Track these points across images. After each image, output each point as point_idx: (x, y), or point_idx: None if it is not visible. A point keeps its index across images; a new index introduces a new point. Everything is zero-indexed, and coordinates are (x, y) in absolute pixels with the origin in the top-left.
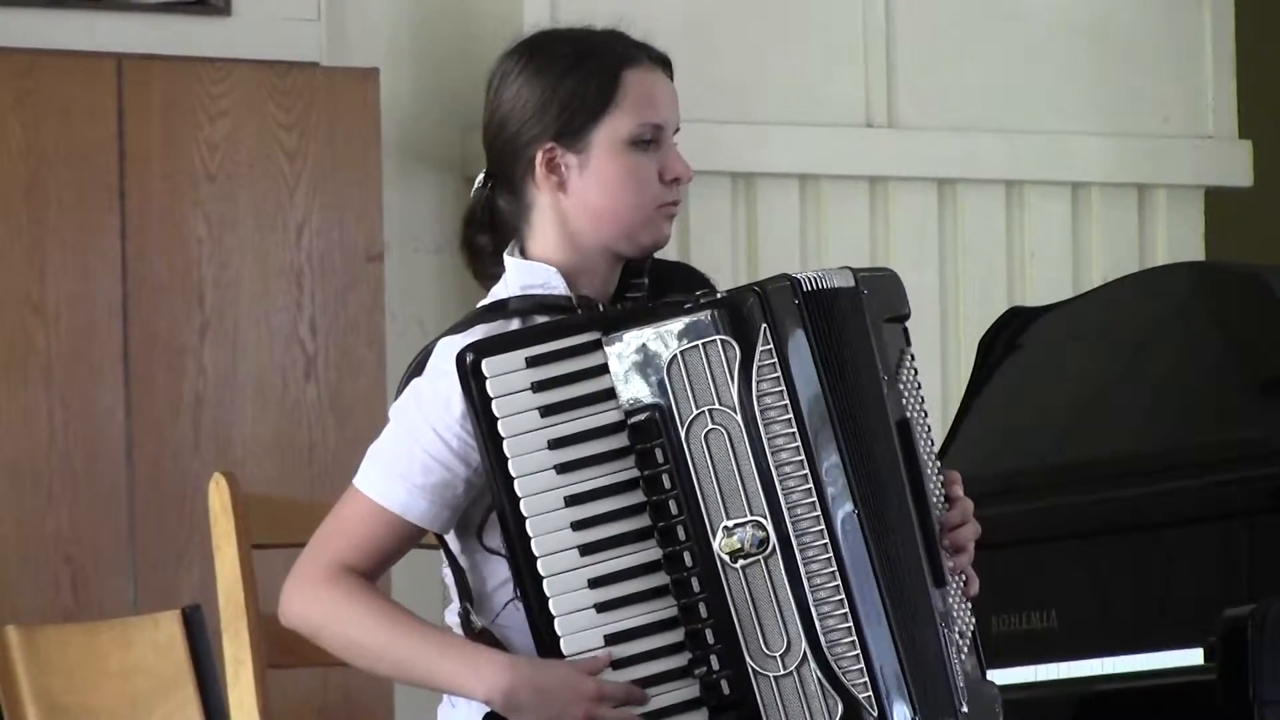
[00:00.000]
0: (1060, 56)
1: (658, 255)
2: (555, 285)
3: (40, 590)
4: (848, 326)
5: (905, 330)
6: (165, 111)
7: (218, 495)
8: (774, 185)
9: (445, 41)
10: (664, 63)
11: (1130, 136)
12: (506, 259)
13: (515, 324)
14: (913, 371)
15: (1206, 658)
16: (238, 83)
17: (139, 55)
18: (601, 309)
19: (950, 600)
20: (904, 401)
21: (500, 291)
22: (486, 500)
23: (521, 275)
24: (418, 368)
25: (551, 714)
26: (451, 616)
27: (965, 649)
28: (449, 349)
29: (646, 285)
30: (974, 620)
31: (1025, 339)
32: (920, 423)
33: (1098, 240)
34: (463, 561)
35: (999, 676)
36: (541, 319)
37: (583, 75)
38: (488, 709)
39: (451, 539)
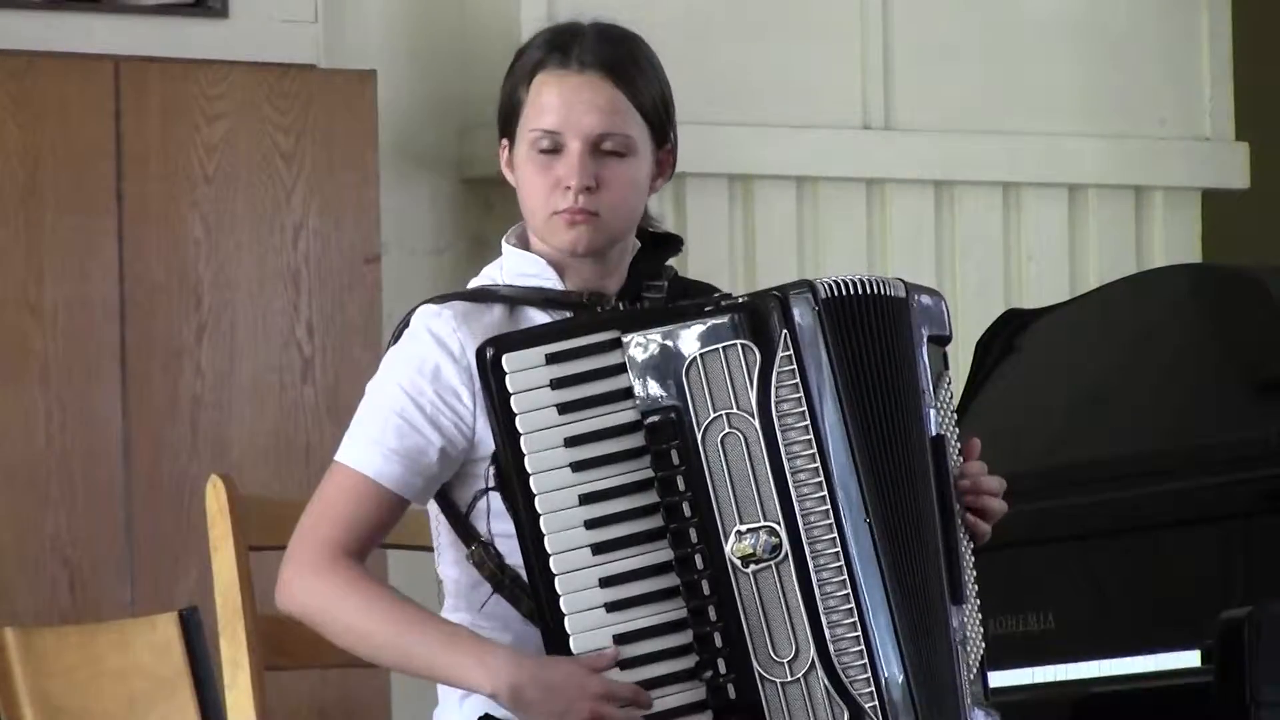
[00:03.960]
0: (1057, 59)
1: (680, 272)
2: (548, 278)
3: (38, 592)
4: (882, 334)
5: (945, 355)
6: (163, 113)
7: (215, 497)
8: (771, 187)
9: (442, 44)
10: (589, 64)
11: (1127, 138)
12: (504, 245)
13: (498, 310)
14: (949, 395)
15: (1203, 659)
16: (235, 85)
17: (136, 57)
18: (622, 306)
19: (966, 619)
20: (939, 419)
21: (495, 275)
22: (474, 485)
23: (517, 264)
24: (397, 336)
25: (557, 710)
26: (447, 616)
27: (974, 670)
28: (425, 316)
29: (666, 287)
30: (984, 645)
31: (1022, 341)
32: (952, 444)
33: (1095, 242)
34: (450, 556)
35: (996, 678)
36: (535, 311)
37: (509, 79)
38: (484, 712)
39: (439, 518)
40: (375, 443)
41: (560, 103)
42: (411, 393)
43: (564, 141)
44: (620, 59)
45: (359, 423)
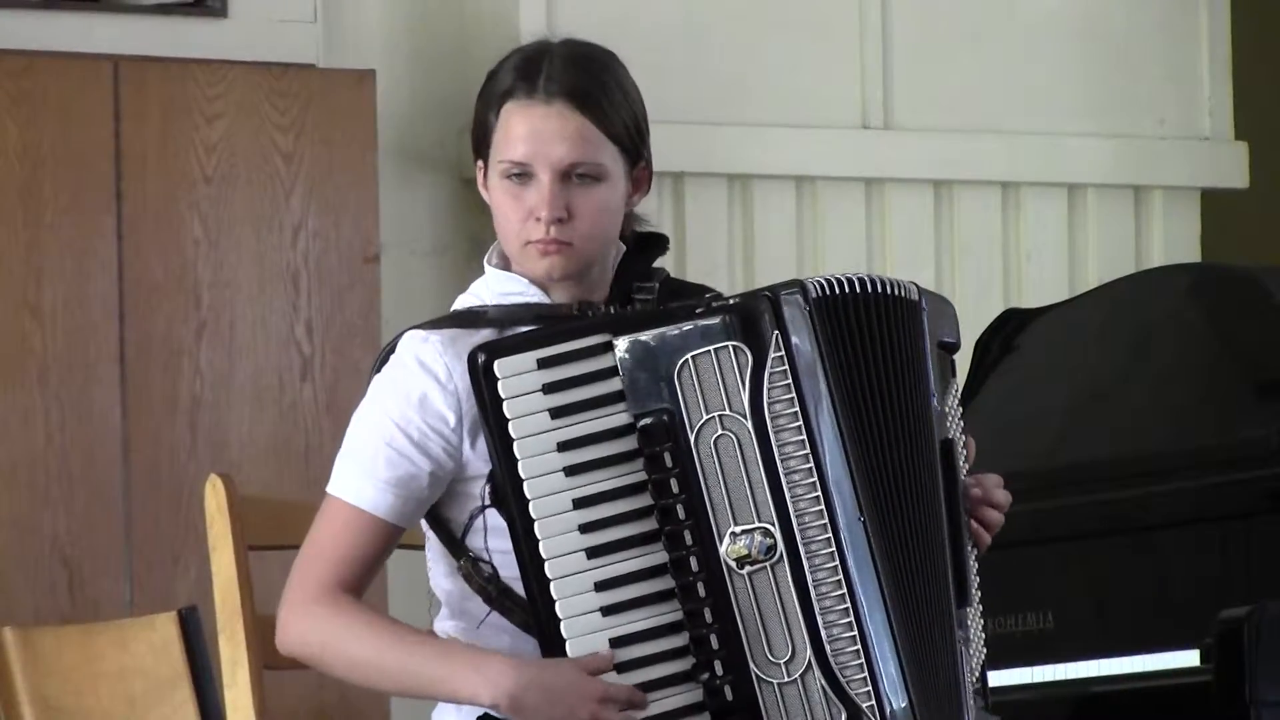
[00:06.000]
0: (1056, 58)
1: (679, 273)
2: (534, 294)
3: (37, 592)
4: (882, 333)
5: (953, 363)
6: (162, 113)
7: (214, 497)
8: (770, 187)
9: (441, 43)
10: (555, 93)
11: (1126, 138)
12: (486, 265)
13: (487, 333)
14: (956, 402)
15: (1203, 659)
16: (234, 84)
17: (135, 57)
18: (613, 311)
19: (970, 623)
20: (947, 425)
21: (482, 293)
22: (470, 505)
23: (502, 284)
24: (382, 362)
25: (557, 715)
26: (441, 624)
27: (976, 674)
28: (411, 342)
29: (657, 289)
30: (985, 651)
31: (1021, 340)
32: (960, 450)
33: (1094, 241)
34: (443, 568)
35: (996, 678)
36: (525, 328)
37: (480, 102)
38: (482, 711)
39: (433, 538)
40: (367, 474)
41: (528, 133)
42: (399, 422)
43: (534, 172)
44: (588, 86)
45: (349, 454)
